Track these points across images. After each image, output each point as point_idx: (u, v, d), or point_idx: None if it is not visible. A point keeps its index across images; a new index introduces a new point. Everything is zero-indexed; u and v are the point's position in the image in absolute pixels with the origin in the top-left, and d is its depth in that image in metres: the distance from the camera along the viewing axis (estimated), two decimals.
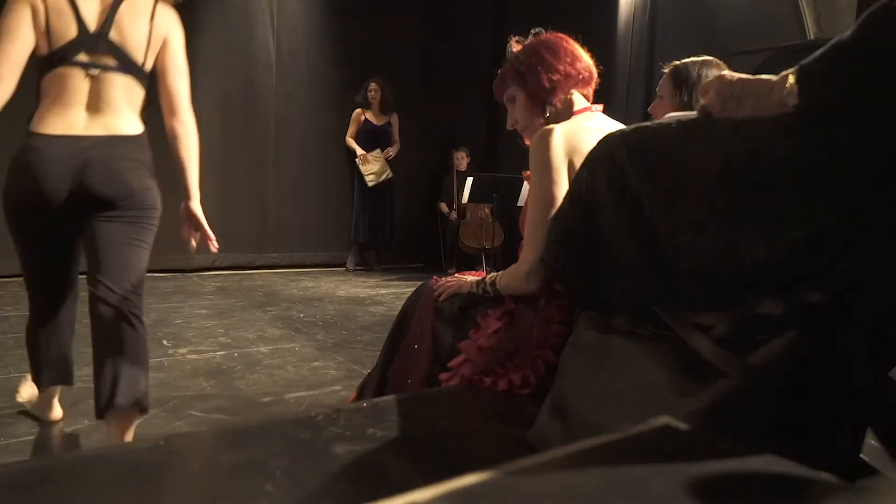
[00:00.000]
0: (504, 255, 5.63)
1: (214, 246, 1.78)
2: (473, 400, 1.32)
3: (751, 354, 0.84)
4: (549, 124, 1.42)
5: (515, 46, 1.55)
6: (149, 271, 1.73)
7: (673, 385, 0.90)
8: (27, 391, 1.99)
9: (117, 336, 1.61)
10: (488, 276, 1.45)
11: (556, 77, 1.47)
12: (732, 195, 0.89)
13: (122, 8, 1.68)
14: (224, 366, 2.58)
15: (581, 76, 1.50)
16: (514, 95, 1.55)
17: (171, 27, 1.77)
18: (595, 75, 1.54)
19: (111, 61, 1.66)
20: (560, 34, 1.55)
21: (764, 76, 0.89)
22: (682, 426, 0.56)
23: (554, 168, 1.35)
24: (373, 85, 5.68)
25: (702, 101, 0.97)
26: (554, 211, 1.31)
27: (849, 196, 0.78)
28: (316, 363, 2.71)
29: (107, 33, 1.65)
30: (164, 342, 2.90)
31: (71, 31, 1.62)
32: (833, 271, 0.80)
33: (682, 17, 4.95)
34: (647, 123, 1.07)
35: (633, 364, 0.97)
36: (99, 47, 1.64)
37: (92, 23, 1.65)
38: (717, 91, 0.93)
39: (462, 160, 6.08)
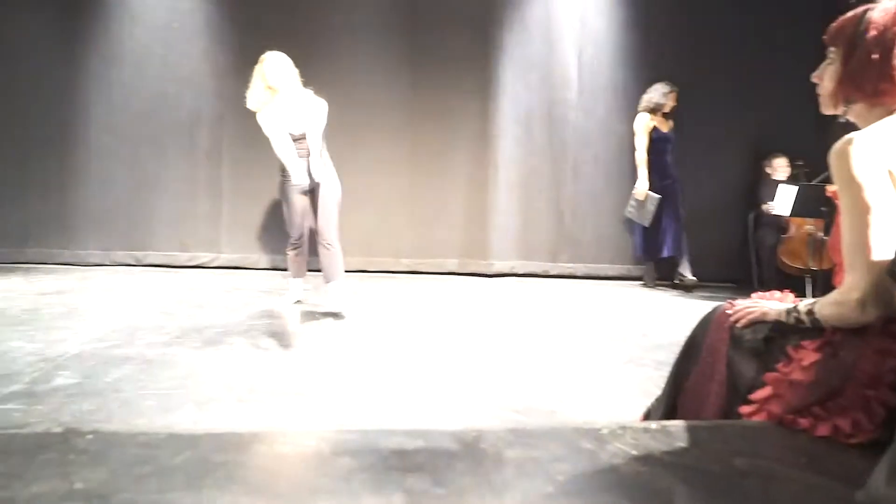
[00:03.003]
0: (829, 280, 4.73)
1: None
2: (783, 441, 1.16)
3: None
4: (845, 118, 1.25)
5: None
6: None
7: None
8: None
9: None
10: (801, 304, 1.26)
11: (886, 83, 1.20)
12: None
13: None
14: (512, 370, 2.74)
15: None
16: (832, 56, 1.29)
17: None
18: None
19: None
20: None
21: None
22: None
23: (862, 178, 1.14)
24: (675, 92, 5.27)
25: None
26: (878, 222, 1.12)
27: None
28: (603, 376, 2.68)
29: None
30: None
31: None
32: None
33: None
34: None
35: None
36: None
37: None
38: None
39: (779, 168, 5.34)
